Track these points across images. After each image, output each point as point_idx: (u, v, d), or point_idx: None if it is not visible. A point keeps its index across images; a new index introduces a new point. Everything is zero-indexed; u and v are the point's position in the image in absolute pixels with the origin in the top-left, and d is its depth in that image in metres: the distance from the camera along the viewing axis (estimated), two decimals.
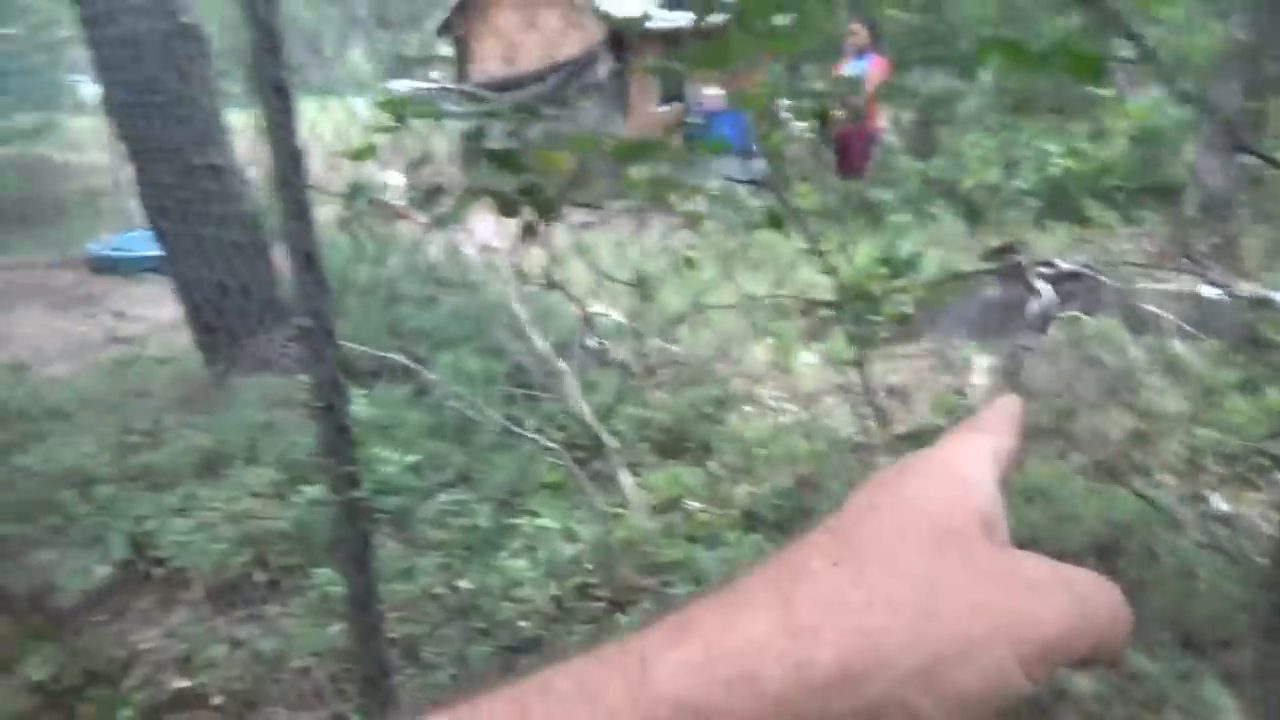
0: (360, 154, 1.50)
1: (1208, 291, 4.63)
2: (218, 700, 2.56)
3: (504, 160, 1.27)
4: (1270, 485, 3.16)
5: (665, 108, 10.32)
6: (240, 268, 3.40)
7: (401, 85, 15.12)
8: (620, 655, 0.31)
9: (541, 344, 4.07)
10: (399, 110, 1.39)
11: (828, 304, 5.50)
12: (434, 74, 16.35)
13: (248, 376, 3.64)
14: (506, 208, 1.41)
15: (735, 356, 4.65)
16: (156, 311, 3.95)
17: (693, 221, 1.99)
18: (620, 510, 3.43)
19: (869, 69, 7.53)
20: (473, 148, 1.30)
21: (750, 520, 3.39)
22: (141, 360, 4.09)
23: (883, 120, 7.47)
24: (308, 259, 1.71)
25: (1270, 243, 6.53)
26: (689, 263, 1.90)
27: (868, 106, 6.63)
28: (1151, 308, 4.43)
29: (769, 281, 4.82)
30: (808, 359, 4.89)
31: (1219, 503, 3.00)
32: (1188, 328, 4.32)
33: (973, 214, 5.99)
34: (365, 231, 3.59)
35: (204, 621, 2.88)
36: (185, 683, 2.63)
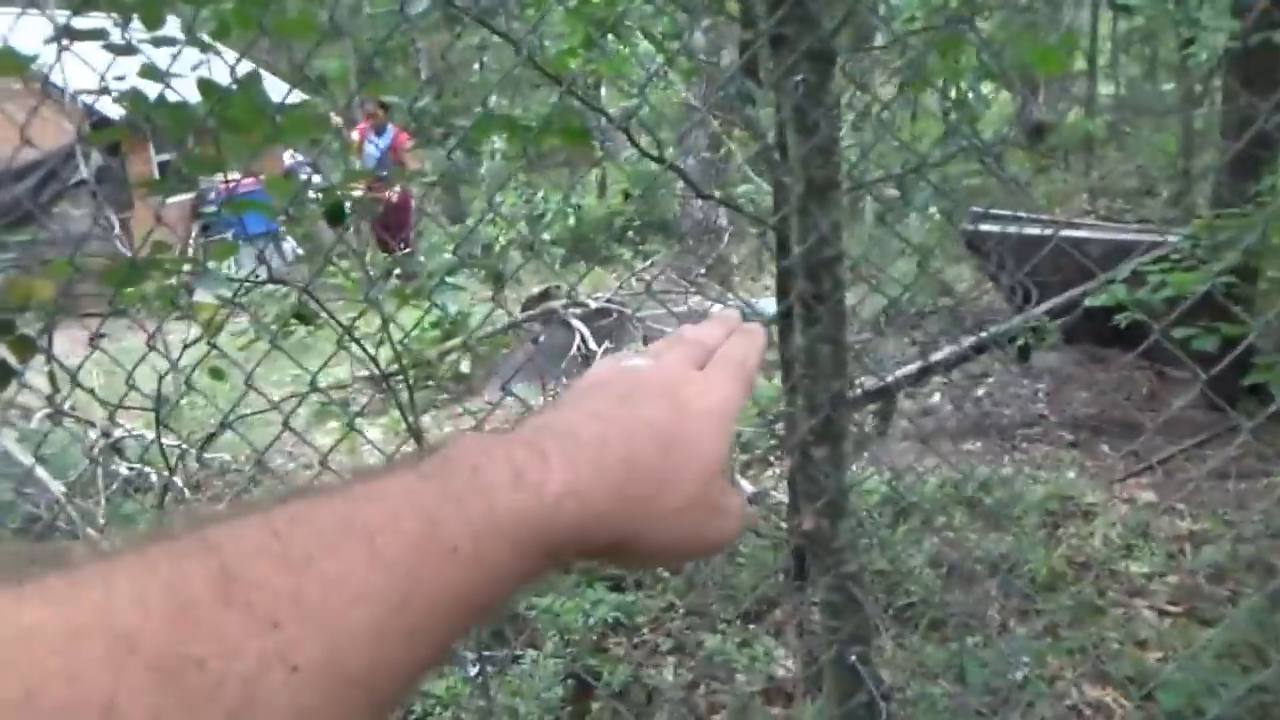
0: None
1: (717, 309, 5.37)
2: None
3: None
4: (781, 461, 3.75)
5: (176, 198, 9.52)
6: None
7: None
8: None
9: (55, 486, 3.52)
10: None
11: (379, 378, 5.46)
12: None
13: None
14: None
15: (291, 451, 4.42)
16: None
17: (212, 328, 1.84)
18: None
19: (393, 142, 7.72)
20: None
21: None
22: None
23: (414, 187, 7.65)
24: None
25: (748, 259, 7.80)
26: (215, 373, 1.76)
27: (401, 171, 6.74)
28: (668, 329, 5.03)
29: (314, 367, 4.66)
30: (373, 436, 4.79)
31: (745, 485, 3.49)
32: None
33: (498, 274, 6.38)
34: None
35: None
36: None
